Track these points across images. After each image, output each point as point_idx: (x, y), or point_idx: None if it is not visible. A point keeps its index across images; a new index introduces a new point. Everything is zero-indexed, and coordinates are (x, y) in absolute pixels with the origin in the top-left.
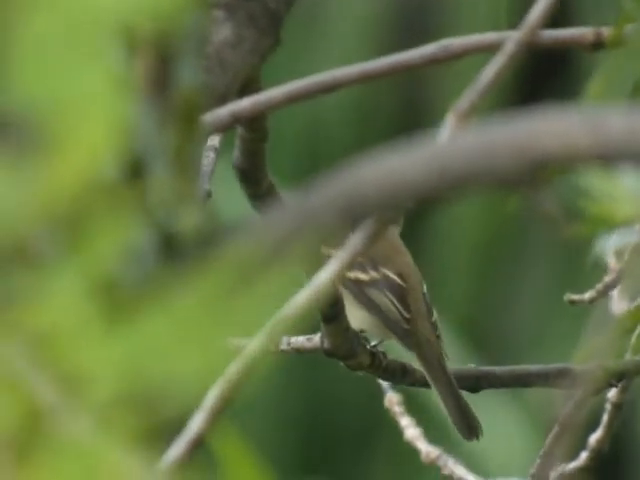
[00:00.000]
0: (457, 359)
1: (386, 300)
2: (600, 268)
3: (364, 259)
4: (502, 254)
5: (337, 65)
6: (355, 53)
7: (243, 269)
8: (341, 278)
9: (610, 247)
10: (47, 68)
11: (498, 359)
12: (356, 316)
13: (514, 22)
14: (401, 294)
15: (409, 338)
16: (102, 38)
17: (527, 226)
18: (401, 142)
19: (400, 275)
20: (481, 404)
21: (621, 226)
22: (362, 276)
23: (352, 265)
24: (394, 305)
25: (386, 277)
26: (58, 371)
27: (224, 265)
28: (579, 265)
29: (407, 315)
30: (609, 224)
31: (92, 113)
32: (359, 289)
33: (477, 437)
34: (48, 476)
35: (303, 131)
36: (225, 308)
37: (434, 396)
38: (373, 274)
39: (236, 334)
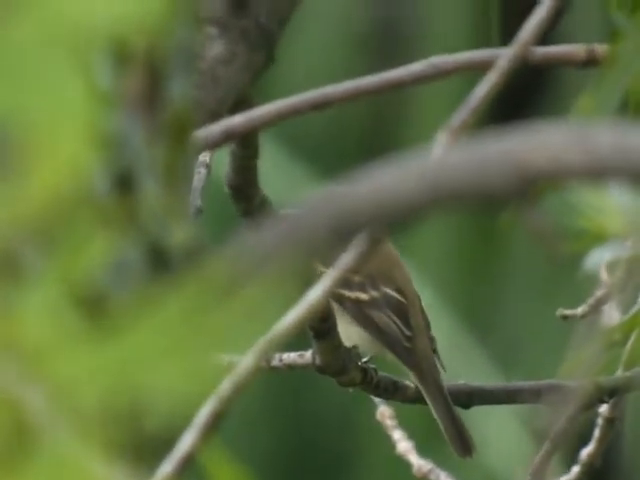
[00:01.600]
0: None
1: (387, 320)
2: (585, 282)
3: (363, 278)
4: (484, 269)
5: (306, 80)
6: (327, 66)
7: (228, 283)
8: (337, 296)
9: (601, 262)
10: (23, 80)
11: (485, 373)
12: (349, 332)
13: (490, 36)
14: (402, 311)
15: (409, 356)
16: (82, 50)
17: (510, 241)
18: (373, 161)
19: (400, 291)
20: (473, 416)
21: (611, 240)
22: (363, 296)
23: (352, 285)
24: (395, 324)
25: (386, 295)
26: (41, 383)
27: (209, 278)
28: (563, 280)
29: (408, 333)
30: (599, 239)
31: (68, 125)
32: (359, 309)
33: (471, 454)
34: None
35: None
36: (209, 321)
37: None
38: (373, 293)
39: (220, 347)
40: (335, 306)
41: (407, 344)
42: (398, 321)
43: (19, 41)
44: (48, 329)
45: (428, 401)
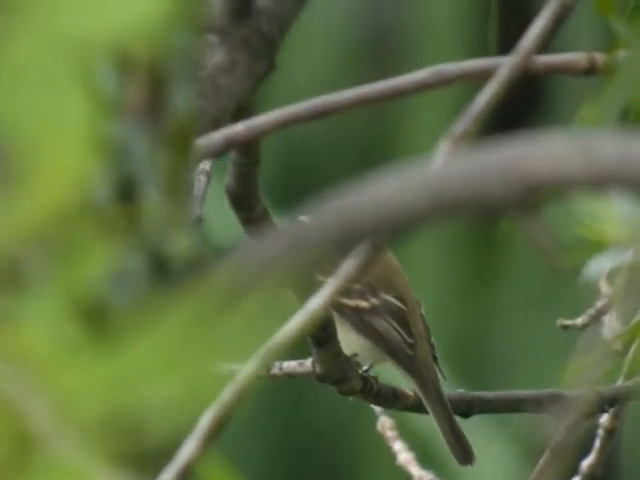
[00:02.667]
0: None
1: (388, 327)
2: (586, 291)
3: (363, 286)
4: (484, 279)
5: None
6: (329, 74)
7: (230, 293)
8: (336, 305)
9: (601, 271)
10: (23, 92)
11: (484, 383)
12: (349, 340)
13: (487, 45)
14: (403, 319)
15: (411, 364)
16: (83, 61)
17: (511, 250)
18: (365, 175)
19: (400, 298)
20: (470, 428)
21: (611, 250)
22: (363, 304)
23: (352, 293)
24: (397, 331)
25: (386, 303)
26: (42, 394)
27: (210, 289)
28: (564, 289)
29: (410, 340)
30: (599, 248)
31: (68, 136)
32: (359, 317)
33: (471, 462)
34: None
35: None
36: (210, 332)
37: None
38: (373, 301)
39: (221, 358)
40: (335, 314)
41: (409, 351)
42: (399, 328)
43: (20, 53)
44: (49, 340)
45: (428, 408)
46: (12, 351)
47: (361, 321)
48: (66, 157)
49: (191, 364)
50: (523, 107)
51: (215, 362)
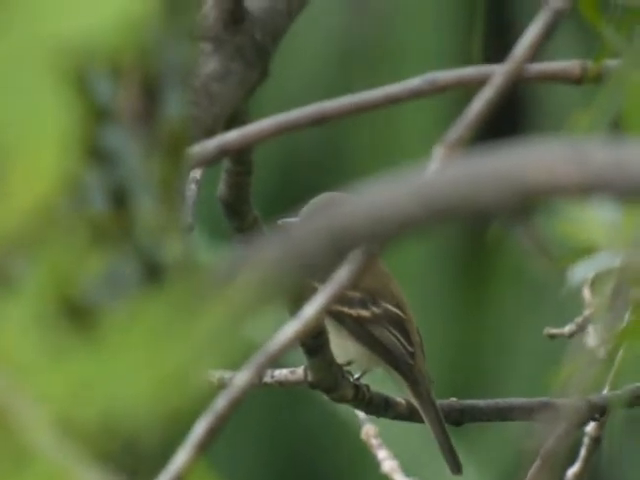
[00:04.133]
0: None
1: (390, 336)
2: (570, 299)
3: (364, 294)
4: (473, 286)
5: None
6: (322, 82)
7: (210, 294)
8: (336, 314)
9: (585, 277)
10: (1, 93)
11: (474, 391)
12: (345, 347)
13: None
14: (403, 327)
15: (411, 373)
16: (64, 65)
17: (500, 257)
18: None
19: (399, 306)
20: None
21: (594, 256)
22: (364, 313)
23: (353, 302)
24: (399, 341)
25: (387, 311)
26: (23, 394)
27: (192, 288)
28: (552, 296)
29: (411, 349)
30: (582, 254)
31: (46, 138)
32: (360, 327)
33: (460, 472)
34: None
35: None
36: (186, 331)
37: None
38: (374, 310)
39: (190, 358)
40: (331, 322)
41: (410, 361)
42: (400, 337)
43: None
44: (31, 341)
45: (424, 417)
46: None
47: (362, 330)
48: (44, 159)
49: (166, 362)
50: (509, 115)
51: (194, 359)
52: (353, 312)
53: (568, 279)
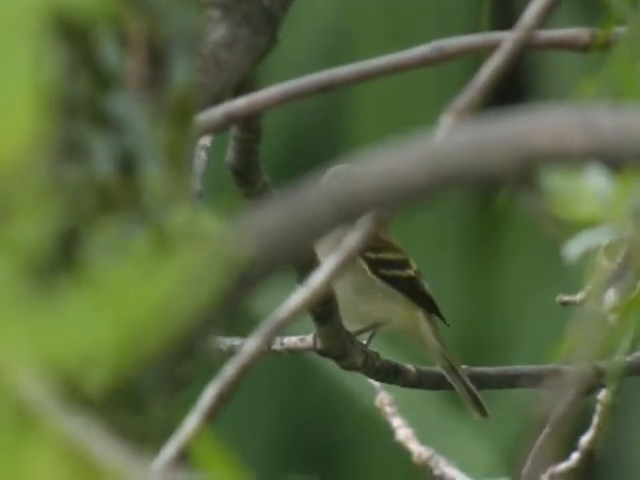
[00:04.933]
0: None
1: (429, 292)
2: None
3: (403, 254)
4: (482, 254)
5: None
6: (330, 49)
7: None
8: (391, 277)
9: (579, 248)
10: None
11: (483, 359)
12: (382, 308)
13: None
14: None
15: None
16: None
17: (510, 224)
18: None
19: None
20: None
21: (587, 227)
22: (411, 272)
23: (403, 265)
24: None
25: (418, 271)
26: None
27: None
28: (562, 263)
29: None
30: (575, 225)
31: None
32: (412, 286)
33: (487, 416)
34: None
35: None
36: (150, 281)
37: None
38: (415, 268)
39: (159, 306)
40: (384, 287)
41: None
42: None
43: None
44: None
45: (452, 363)
46: None
47: (415, 289)
48: (16, 116)
49: (127, 311)
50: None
51: (153, 309)
52: (404, 274)
53: (569, 250)
